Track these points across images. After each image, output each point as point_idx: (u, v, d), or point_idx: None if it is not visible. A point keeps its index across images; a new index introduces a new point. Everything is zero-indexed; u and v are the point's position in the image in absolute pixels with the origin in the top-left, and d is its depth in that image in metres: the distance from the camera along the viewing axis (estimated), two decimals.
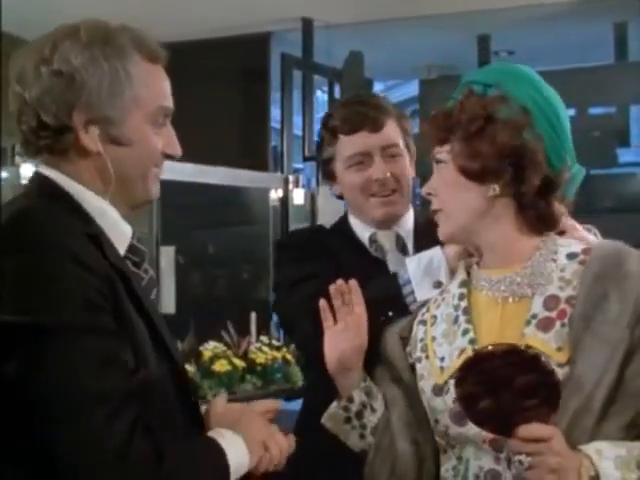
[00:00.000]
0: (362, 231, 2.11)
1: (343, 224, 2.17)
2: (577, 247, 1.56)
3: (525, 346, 1.42)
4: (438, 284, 1.78)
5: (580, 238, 1.64)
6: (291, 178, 6.06)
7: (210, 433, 1.37)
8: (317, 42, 6.60)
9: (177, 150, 1.48)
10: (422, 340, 1.62)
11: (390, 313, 1.78)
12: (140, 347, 1.31)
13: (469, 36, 6.82)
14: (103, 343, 1.22)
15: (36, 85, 1.36)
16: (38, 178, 1.41)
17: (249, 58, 6.88)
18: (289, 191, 6.02)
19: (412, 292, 1.81)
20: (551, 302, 1.49)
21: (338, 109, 2.17)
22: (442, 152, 1.58)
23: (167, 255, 4.86)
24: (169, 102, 1.47)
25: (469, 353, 1.47)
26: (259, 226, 6.02)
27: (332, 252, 2.07)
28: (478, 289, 1.59)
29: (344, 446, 1.85)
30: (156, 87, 1.44)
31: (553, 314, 1.48)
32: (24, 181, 4.67)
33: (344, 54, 6.45)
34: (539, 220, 1.56)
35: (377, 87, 7.78)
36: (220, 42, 6.15)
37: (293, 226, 5.78)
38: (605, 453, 1.36)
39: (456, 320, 1.57)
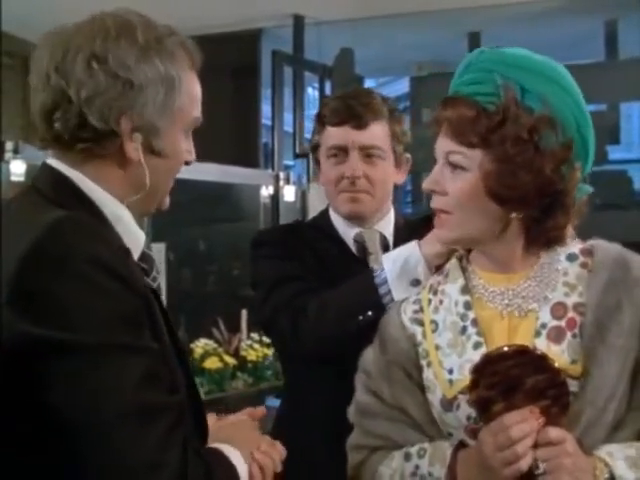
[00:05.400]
0: (344, 228, 2.09)
1: (324, 220, 2.15)
2: (574, 247, 1.51)
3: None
4: (416, 282, 1.75)
5: None
6: (282, 175, 6.06)
7: (219, 448, 1.32)
8: (308, 39, 6.60)
9: (193, 157, 1.42)
10: (420, 344, 1.54)
11: (369, 312, 1.76)
12: (172, 365, 1.27)
13: (460, 33, 6.82)
14: (144, 362, 1.17)
15: (89, 84, 1.26)
16: (52, 175, 1.32)
17: (240, 55, 6.87)
18: (280, 188, 6.02)
19: (389, 292, 1.78)
20: (558, 310, 1.44)
21: (332, 100, 2.15)
22: (463, 156, 1.45)
23: (158, 252, 4.86)
24: (200, 112, 1.39)
25: None
26: (250, 223, 6.01)
27: (314, 250, 2.05)
28: (477, 296, 1.52)
29: (321, 444, 1.85)
30: (195, 97, 1.37)
31: (562, 323, 1.43)
32: (14, 178, 4.65)
33: (335, 51, 6.47)
34: (548, 240, 1.49)
35: (368, 84, 7.78)
36: (211, 39, 6.12)
37: (284, 223, 5.78)
38: (616, 455, 1.36)
39: (464, 330, 1.49)
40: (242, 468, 1.30)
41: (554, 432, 1.33)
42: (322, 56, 6.55)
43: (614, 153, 6.98)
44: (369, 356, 1.61)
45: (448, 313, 1.52)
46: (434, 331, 1.53)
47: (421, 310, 1.57)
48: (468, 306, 1.51)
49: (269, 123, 6.71)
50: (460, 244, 1.58)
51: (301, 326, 1.86)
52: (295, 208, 6.00)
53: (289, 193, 6.00)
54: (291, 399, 2.15)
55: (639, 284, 1.43)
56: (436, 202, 1.50)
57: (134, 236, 1.35)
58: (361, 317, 1.77)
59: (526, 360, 1.35)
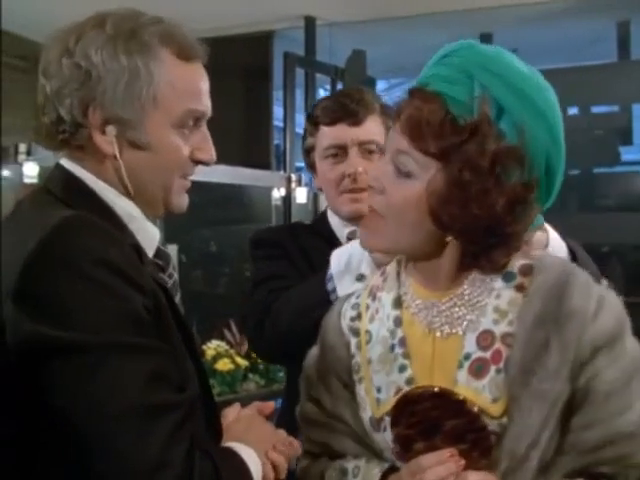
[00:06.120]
0: (340, 229, 2.09)
1: (321, 220, 2.15)
2: (513, 264, 1.36)
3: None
4: (360, 277, 1.75)
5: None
6: (294, 177, 6.05)
7: (232, 446, 1.31)
8: (320, 40, 6.59)
9: (210, 155, 1.37)
10: (354, 356, 1.46)
11: (319, 310, 1.75)
12: (182, 362, 1.26)
13: (472, 34, 6.79)
14: (150, 361, 1.16)
15: (57, 77, 1.29)
16: (62, 174, 1.33)
17: (252, 56, 6.88)
18: (292, 190, 6.01)
19: (335, 289, 1.79)
20: (485, 339, 1.32)
21: (323, 100, 2.16)
22: (415, 161, 1.29)
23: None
24: (201, 104, 1.35)
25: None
26: (261, 224, 6.00)
27: (304, 251, 2.05)
28: (405, 305, 1.42)
29: None
30: (184, 87, 1.32)
31: (487, 355, 1.31)
32: (27, 180, 4.67)
33: (347, 52, 6.45)
34: (482, 270, 1.35)
35: (380, 85, 7.76)
36: (223, 40, 6.14)
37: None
38: None
39: (392, 349, 1.40)
40: (255, 467, 1.29)
41: (473, 476, 1.27)
42: (334, 58, 6.54)
43: (627, 154, 6.94)
44: (311, 361, 1.56)
45: (381, 325, 1.44)
46: (368, 342, 1.44)
47: (358, 317, 1.49)
48: (398, 322, 1.41)
49: (281, 125, 6.70)
50: (389, 253, 1.50)
51: (265, 324, 1.89)
52: (307, 210, 5.99)
53: (301, 195, 5.99)
54: (289, 399, 2.16)
55: (572, 318, 1.28)
56: (371, 199, 1.37)
57: (148, 233, 1.35)
58: (316, 314, 1.73)
59: (444, 403, 1.30)
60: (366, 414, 1.42)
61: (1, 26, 4.73)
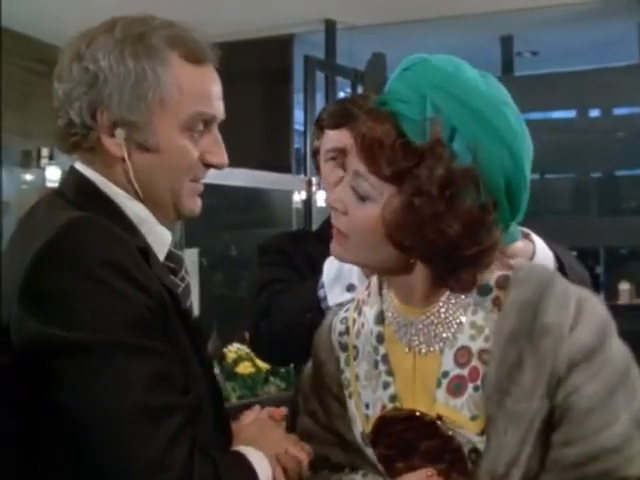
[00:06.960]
0: None
1: (326, 227, 2.18)
2: (490, 276, 1.32)
3: (436, 415, 1.29)
4: (351, 286, 1.77)
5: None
6: (314, 180, 6.07)
7: (240, 450, 1.31)
8: (340, 44, 6.61)
9: (221, 159, 1.37)
10: (343, 372, 1.44)
11: (308, 315, 1.76)
12: (188, 365, 1.26)
13: (492, 37, 6.79)
14: (154, 363, 1.17)
15: (67, 81, 1.30)
16: (75, 177, 1.34)
17: (272, 60, 6.90)
18: (312, 193, 6.02)
19: (326, 297, 1.82)
20: (462, 356, 1.29)
21: (330, 105, 2.21)
22: (371, 184, 1.26)
23: (191, 257, 4.89)
24: (210, 107, 1.34)
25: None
26: (282, 228, 6.02)
27: (308, 257, 2.07)
28: (388, 322, 1.40)
29: None
30: (192, 90, 1.31)
31: (465, 372, 1.28)
32: (49, 184, 4.71)
33: (367, 55, 6.45)
34: (454, 288, 1.31)
35: None
36: (243, 44, 6.17)
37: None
38: None
39: (376, 365, 1.38)
40: (264, 470, 1.28)
41: None
42: (354, 61, 6.55)
43: None
44: (306, 375, 1.55)
45: (366, 341, 1.42)
46: (355, 358, 1.43)
47: (347, 332, 1.47)
48: (380, 339, 1.39)
49: (301, 128, 6.72)
50: (358, 265, 1.49)
51: (261, 326, 1.94)
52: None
53: (322, 198, 6.00)
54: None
55: (548, 333, 1.23)
56: (336, 219, 1.34)
57: (159, 235, 1.35)
58: (308, 318, 1.76)
59: (417, 425, 1.30)
60: (357, 429, 1.41)
61: (1, 25, 4.78)
